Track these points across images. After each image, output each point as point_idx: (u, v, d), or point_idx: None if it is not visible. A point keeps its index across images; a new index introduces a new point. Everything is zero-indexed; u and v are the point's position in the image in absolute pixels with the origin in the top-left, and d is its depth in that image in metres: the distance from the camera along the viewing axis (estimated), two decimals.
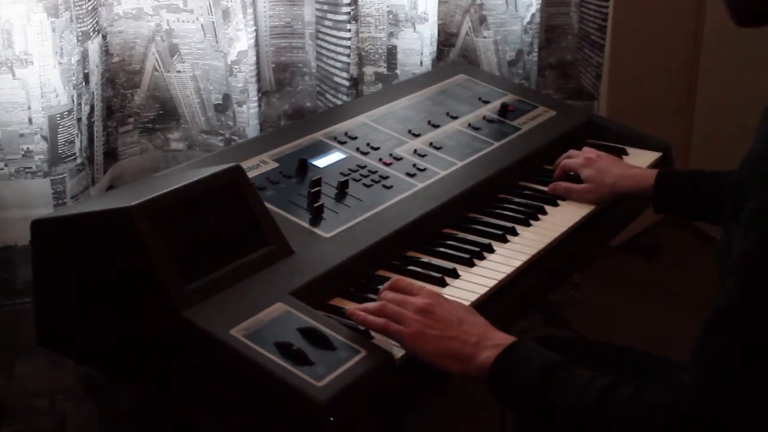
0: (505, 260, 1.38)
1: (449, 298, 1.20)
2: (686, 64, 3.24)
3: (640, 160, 1.80)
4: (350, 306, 1.23)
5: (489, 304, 1.29)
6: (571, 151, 1.71)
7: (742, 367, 0.95)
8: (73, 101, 1.46)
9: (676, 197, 1.58)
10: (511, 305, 1.34)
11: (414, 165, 1.56)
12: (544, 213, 1.55)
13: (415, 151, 1.61)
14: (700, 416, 0.96)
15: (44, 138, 1.43)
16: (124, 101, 1.69)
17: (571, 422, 1.04)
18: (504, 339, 1.11)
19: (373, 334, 1.16)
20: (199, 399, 1.13)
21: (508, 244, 1.43)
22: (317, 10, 1.85)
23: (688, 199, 1.57)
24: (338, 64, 1.86)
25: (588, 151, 1.69)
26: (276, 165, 1.46)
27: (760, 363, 0.94)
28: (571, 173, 1.67)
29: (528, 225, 1.50)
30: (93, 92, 1.56)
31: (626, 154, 1.83)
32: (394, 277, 1.25)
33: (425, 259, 1.37)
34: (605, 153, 1.71)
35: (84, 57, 1.51)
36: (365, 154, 1.56)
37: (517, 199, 1.59)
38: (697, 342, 1.00)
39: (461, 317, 1.14)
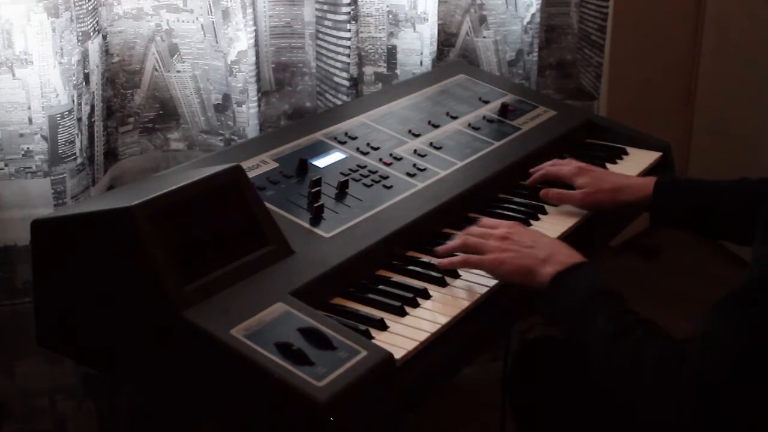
0: None
1: (451, 297, 1.21)
2: (686, 64, 3.24)
3: (640, 160, 1.80)
4: (351, 305, 1.23)
5: (489, 304, 1.29)
6: (556, 161, 1.63)
7: (743, 344, 0.98)
8: (73, 101, 1.46)
9: (676, 210, 1.52)
10: (511, 303, 1.33)
11: (414, 165, 1.56)
12: (545, 213, 1.55)
13: (415, 151, 1.61)
14: (683, 374, 1.00)
15: (44, 138, 1.43)
16: (124, 101, 1.69)
17: (592, 348, 1.11)
18: (570, 258, 1.23)
19: (373, 333, 1.16)
20: (199, 399, 1.13)
21: None
22: (317, 10, 1.85)
23: (689, 212, 1.51)
24: (338, 64, 1.86)
25: (577, 163, 1.61)
26: (276, 165, 1.46)
27: (761, 346, 0.97)
28: (532, 202, 1.58)
29: (528, 225, 1.50)
30: (93, 92, 1.56)
31: (626, 154, 1.83)
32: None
33: (425, 259, 1.37)
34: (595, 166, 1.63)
35: (84, 57, 1.51)
36: (365, 154, 1.56)
37: (517, 199, 1.59)
38: (711, 310, 1.02)
39: (536, 239, 1.29)
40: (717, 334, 1.01)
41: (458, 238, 1.33)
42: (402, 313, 1.22)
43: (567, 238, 1.50)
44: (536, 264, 1.24)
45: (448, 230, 1.47)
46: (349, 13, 1.82)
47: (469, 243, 1.31)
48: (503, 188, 1.62)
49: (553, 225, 1.51)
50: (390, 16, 1.98)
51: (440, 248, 1.34)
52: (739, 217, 1.41)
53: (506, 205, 1.57)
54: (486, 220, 1.37)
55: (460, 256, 1.30)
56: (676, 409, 1.01)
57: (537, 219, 1.53)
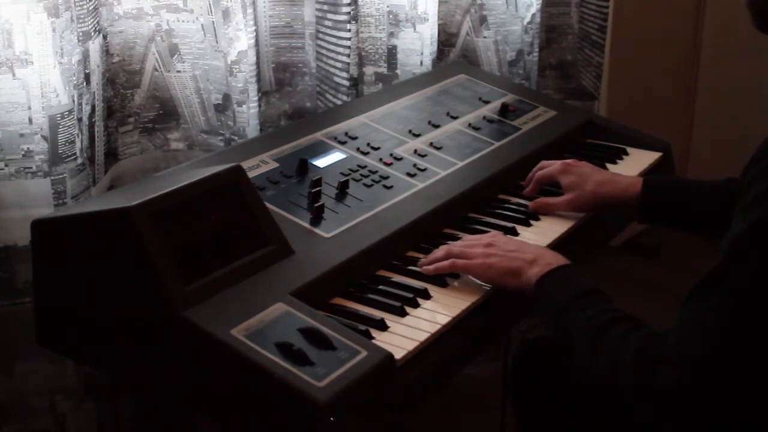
0: None
1: (451, 297, 1.22)
2: (686, 64, 3.24)
3: (640, 160, 1.80)
4: (351, 305, 1.23)
5: (489, 304, 1.29)
6: (543, 162, 1.62)
7: (716, 325, 0.99)
8: (73, 101, 1.46)
9: (664, 206, 1.52)
10: (511, 303, 1.33)
11: (414, 165, 1.56)
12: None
13: (415, 151, 1.61)
14: (662, 365, 1.01)
15: (44, 138, 1.43)
16: (124, 101, 1.68)
17: (575, 345, 1.12)
18: (556, 259, 1.24)
19: (373, 333, 1.16)
20: (199, 399, 1.13)
21: None
22: (317, 10, 1.85)
23: (676, 209, 1.52)
24: (338, 64, 1.86)
25: (566, 161, 1.60)
26: (276, 165, 1.46)
27: (735, 336, 0.98)
28: (547, 187, 1.59)
29: (528, 225, 1.50)
30: (94, 92, 1.56)
31: (626, 154, 1.83)
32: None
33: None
34: (585, 162, 1.62)
35: (85, 57, 1.51)
36: (365, 154, 1.56)
37: (517, 199, 1.59)
38: (685, 302, 1.03)
39: (519, 245, 1.31)
40: (691, 321, 1.02)
41: (441, 249, 1.33)
42: (402, 314, 1.22)
43: (567, 238, 1.50)
44: (523, 265, 1.25)
45: (448, 230, 1.47)
46: (350, 13, 1.82)
47: (454, 251, 1.31)
48: (503, 188, 1.62)
49: (552, 225, 1.51)
50: (390, 16, 1.98)
51: (423, 261, 1.33)
52: (724, 217, 1.41)
53: (506, 205, 1.57)
54: (467, 236, 1.38)
55: (448, 261, 1.30)
56: (657, 399, 1.01)
57: (537, 219, 1.53)
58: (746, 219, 1.00)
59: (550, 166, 1.59)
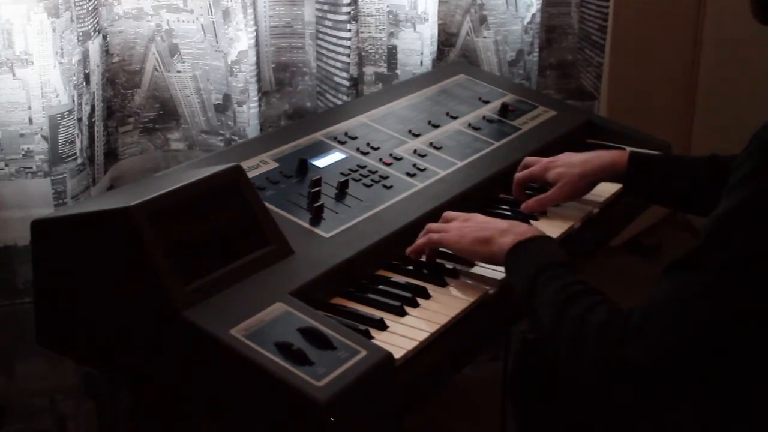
0: None
1: (451, 297, 1.22)
2: (686, 64, 3.24)
3: None
4: (351, 305, 1.23)
5: (490, 304, 1.29)
6: (527, 159, 1.59)
7: (688, 311, 0.98)
8: (73, 101, 1.46)
9: (649, 180, 1.52)
10: (511, 303, 1.33)
11: (414, 165, 1.56)
12: (545, 213, 1.55)
13: (415, 151, 1.61)
14: (624, 341, 1.00)
15: (44, 138, 1.43)
16: (124, 101, 1.69)
17: (540, 318, 1.12)
18: (530, 231, 1.25)
19: (373, 333, 1.16)
20: (198, 399, 1.13)
21: None
22: (317, 10, 1.85)
23: (661, 182, 1.52)
24: (338, 64, 1.86)
25: (544, 159, 1.57)
26: (276, 165, 1.46)
27: (711, 316, 0.98)
28: (534, 185, 1.58)
29: (528, 224, 1.50)
30: (94, 92, 1.56)
31: None
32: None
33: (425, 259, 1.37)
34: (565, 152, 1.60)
35: (85, 57, 1.51)
36: (365, 154, 1.56)
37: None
38: (657, 279, 1.03)
39: (494, 220, 1.31)
40: (662, 301, 1.01)
41: (421, 234, 1.34)
42: (402, 313, 1.22)
43: (567, 238, 1.50)
44: (496, 234, 1.26)
45: None
46: (350, 13, 1.82)
47: (432, 227, 1.34)
48: (503, 188, 1.62)
49: (552, 225, 1.51)
50: (390, 16, 1.98)
51: (408, 249, 1.35)
52: (709, 191, 1.41)
53: (507, 205, 1.57)
54: (446, 213, 1.39)
55: (425, 237, 1.32)
56: (616, 376, 1.02)
57: (536, 219, 1.53)
58: (729, 200, 1.00)
59: (531, 168, 1.56)
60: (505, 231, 1.26)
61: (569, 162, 1.55)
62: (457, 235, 1.29)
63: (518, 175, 1.57)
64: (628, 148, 1.83)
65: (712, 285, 0.98)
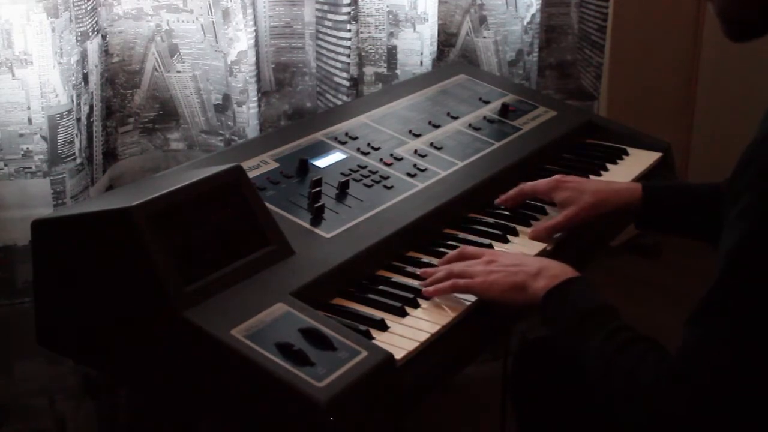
0: None
1: (451, 297, 1.21)
2: (686, 64, 3.24)
3: (641, 160, 1.80)
4: (351, 306, 1.23)
5: (490, 304, 1.29)
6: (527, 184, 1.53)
7: (724, 358, 0.96)
8: (72, 101, 1.46)
9: (665, 213, 1.49)
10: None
11: (414, 165, 1.56)
12: (545, 213, 1.55)
13: (415, 151, 1.61)
14: (677, 399, 0.98)
15: (44, 138, 1.43)
16: (124, 101, 1.68)
17: (589, 367, 1.09)
18: (562, 272, 1.19)
19: (373, 334, 1.16)
20: (198, 399, 1.13)
21: (508, 245, 1.43)
22: (317, 10, 1.85)
23: (678, 215, 1.49)
24: (338, 65, 1.86)
25: (557, 177, 1.53)
26: (276, 165, 1.46)
27: (741, 356, 0.96)
28: (531, 202, 1.54)
29: (528, 225, 1.50)
30: (92, 92, 1.56)
31: (626, 154, 1.83)
32: (457, 249, 1.33)
33: (425, 259, 1.36)
34: (573, 175, 1.56)
35: (83, 57, 1.51)
36: (366, 154, 1.56)
37: None
38: (687, 322, 1.01)
39: (521, 259, 1.26)
40: (695, 345, 0.99)
41: (442, 270, 1.28)
42: (402, 314, 1.22)
43: (567, 238, 1.50)
44: (527, 279, 1.20)
45: (448, 230, 1.47)
46: (349, 13, 1.82)
47: (455, 271, 1.26)
48: (504, 189, 1.62)
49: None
50: (390, 17, 1.98)
51: (423, 274, 1.29)
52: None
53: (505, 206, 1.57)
54: (465, 249, 1.32)
55: (449, 281, 1.25)
56: (668, 425, 0.99)
57: (537, 219, 1.52)
58: (733, 235, 0.98)
59: (538, 182, 1.52)
60: (536, 275, 1.19)
61: (581, 188, 1.49)
62: (486, 283, 1.23)
63: (527, 186, 1.53)
64: (629, 149, 1.84)
65: (739, 326, 0.97)
